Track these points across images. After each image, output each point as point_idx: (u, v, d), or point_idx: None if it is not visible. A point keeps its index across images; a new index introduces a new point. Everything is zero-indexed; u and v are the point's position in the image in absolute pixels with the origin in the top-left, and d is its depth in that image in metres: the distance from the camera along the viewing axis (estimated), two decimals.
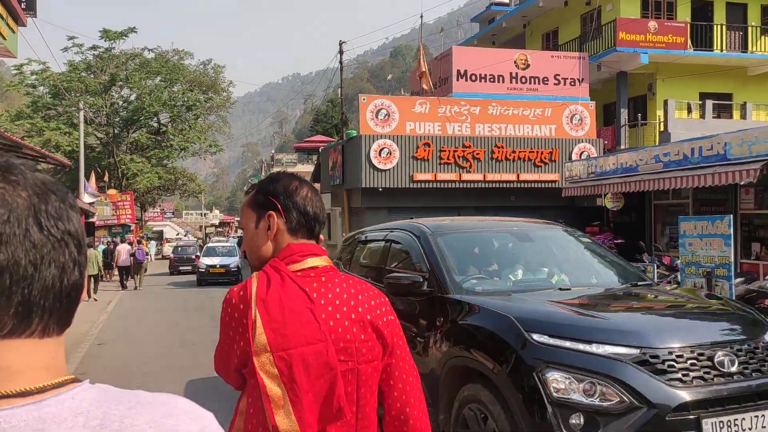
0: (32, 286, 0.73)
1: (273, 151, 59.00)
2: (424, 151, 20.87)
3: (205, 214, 76.55)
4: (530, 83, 22.81)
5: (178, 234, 53.42)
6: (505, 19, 30.93)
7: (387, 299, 1.77)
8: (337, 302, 1.62)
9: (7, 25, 14.83)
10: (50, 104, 41.25)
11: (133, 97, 42.00)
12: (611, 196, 16.88)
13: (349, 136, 58.53)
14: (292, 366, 1.51)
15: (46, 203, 0.76)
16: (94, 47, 40.98)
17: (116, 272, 24.87)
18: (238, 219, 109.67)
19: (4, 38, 14.51)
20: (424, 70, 20.98)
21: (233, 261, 25.03)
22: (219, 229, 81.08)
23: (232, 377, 1.67)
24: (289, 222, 1.69)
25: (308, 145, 57.77)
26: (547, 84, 22.89)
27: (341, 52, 23.65)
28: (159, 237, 53.84)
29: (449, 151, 21.04)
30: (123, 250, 23.27)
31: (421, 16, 25.18)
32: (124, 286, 23.29)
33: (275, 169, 51.44)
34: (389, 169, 20.68)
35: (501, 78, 22.55)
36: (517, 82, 22.71)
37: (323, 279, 1.65)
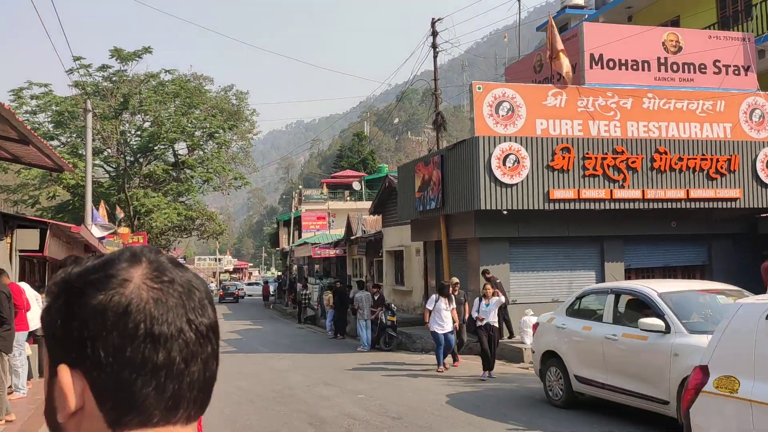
0: (182, 381, 0.76)
1: (301, 187, 53.55)
2: (563, 158, 15.08)
3: (219, 259, 70.58)
4: (683, 71, 17.13)
5: None
6: (602, 12, 25.61)
7: None
8: None
9: None
10: (52, 134, 35.80)
11: (147, 124, 36.51)
12: None
13: (381, 172, 52.55)
14: None
15: (192, 300, 0.79)
16: (103, 67, 35.73)
17: None
18: (251, 264, 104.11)
19: None
20: (561, 48, 15.33)
21: None
22: (233, 275, 75.14)
23: None
24: None
25: (338, 180, 52.40)
26: (704, 72, 17.21)
27: (434, 34, 18.06)
28: None
29: (596, 158, 15.25)
30: None
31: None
32: None
33: (304, 207, 45.64)
34: (516, 184, 14.83)
35: (646, 65, 16.89)
36: (666, 70, 17.04)
37: None
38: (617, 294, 7.86)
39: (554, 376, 8.51)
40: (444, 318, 12.53)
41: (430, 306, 12.86)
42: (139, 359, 0.74)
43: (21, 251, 10.08)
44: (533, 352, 9.21)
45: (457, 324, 12.90)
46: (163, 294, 0.76)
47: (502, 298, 12.33)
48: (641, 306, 7.47)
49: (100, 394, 0.75)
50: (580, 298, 8.64)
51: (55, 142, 35.59)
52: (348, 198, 46.88)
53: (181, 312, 0.77)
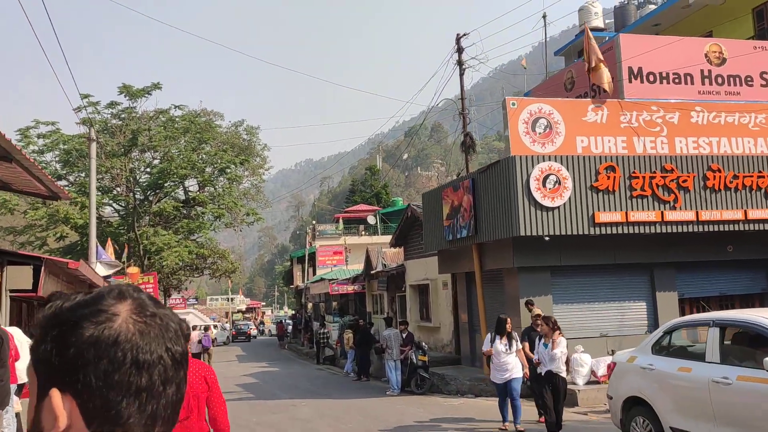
0: (159, 401, 0.87)
1: (315, 222, 52.30)
2: (608, 178, 13.82)
3: (231, 299, 69.11)
4: (729, 84, 15.93)
5: (209, 323, 46.31)
6: (626, 32, 24.56)
7: (213, 370, 4.02)
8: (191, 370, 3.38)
9: None
10: (60, 173, 34.98)
11: (156, 161, 35.64)
12: None
13: (396, 206, 50.86)
14: None
15: (169, 331, 0.90)
16: (112, 104, 35.04)
17: None
18: (264, 304, 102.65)
19: None
20: (600, 59, 14.19)
21: None
22: (246, 315, 73.63)
23: None
24: None
25: (352, 215, 51.24)
26: (751, 85, 16.00)
27: (459, 51, 17.02)
28: None
29: (643, 177, 13.98)
30: (194, 338, 23.01)
31: (544, 16, 18.81)
32: None
33: (318, 243, 44.36)
34: (557, 207, 13.55)
35: (689, 77, 15.70)
36: (711, 83, 15.84)
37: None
38: (722, 327, 6.47)
39: (641, 427, 7.07)
40: (504, 363, 9.96)
41: (485, 348, 10.47)
42: (125, 383, 0.84)
43: (12, 291, 8.84)
44: (610, 398, 7.77)
45: (527, 372, 10.15)
46: (146, 326, 0.87)
47: (564, 347, 9.78)
48: (756, 341, 6.11)
49: (88, 414, 0.83)
50: (669, 332, 7.22)
51: (63, 182, 34.74)
52: (363, 232, 45.66)
53: (161, 342, 0.87)
